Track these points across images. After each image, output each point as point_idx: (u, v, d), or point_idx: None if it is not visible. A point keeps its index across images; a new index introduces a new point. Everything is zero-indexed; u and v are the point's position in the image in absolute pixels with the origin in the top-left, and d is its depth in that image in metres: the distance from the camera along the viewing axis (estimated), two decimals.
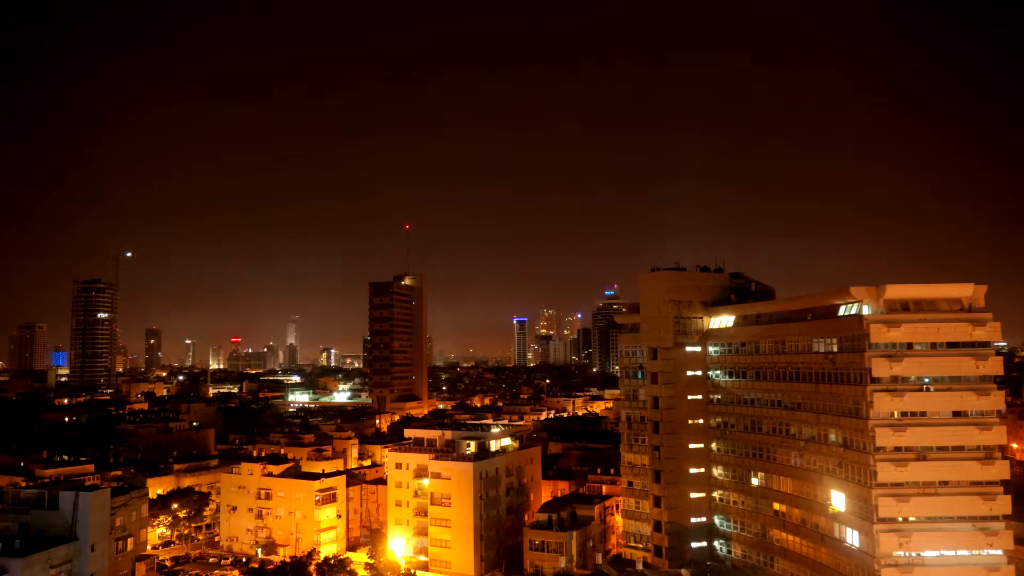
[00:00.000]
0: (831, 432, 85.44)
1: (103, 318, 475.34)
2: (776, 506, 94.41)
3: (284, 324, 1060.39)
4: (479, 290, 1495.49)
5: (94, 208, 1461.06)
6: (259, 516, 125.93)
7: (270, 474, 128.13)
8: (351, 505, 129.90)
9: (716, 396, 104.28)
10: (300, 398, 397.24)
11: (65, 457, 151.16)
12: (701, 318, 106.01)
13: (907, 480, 77.23)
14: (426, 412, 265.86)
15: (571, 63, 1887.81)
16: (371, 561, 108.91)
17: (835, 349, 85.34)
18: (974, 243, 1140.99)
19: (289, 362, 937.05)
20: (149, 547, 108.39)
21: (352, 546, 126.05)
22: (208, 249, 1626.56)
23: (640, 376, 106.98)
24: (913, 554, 76.28)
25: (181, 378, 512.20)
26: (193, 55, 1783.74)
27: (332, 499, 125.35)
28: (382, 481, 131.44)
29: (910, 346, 79.67)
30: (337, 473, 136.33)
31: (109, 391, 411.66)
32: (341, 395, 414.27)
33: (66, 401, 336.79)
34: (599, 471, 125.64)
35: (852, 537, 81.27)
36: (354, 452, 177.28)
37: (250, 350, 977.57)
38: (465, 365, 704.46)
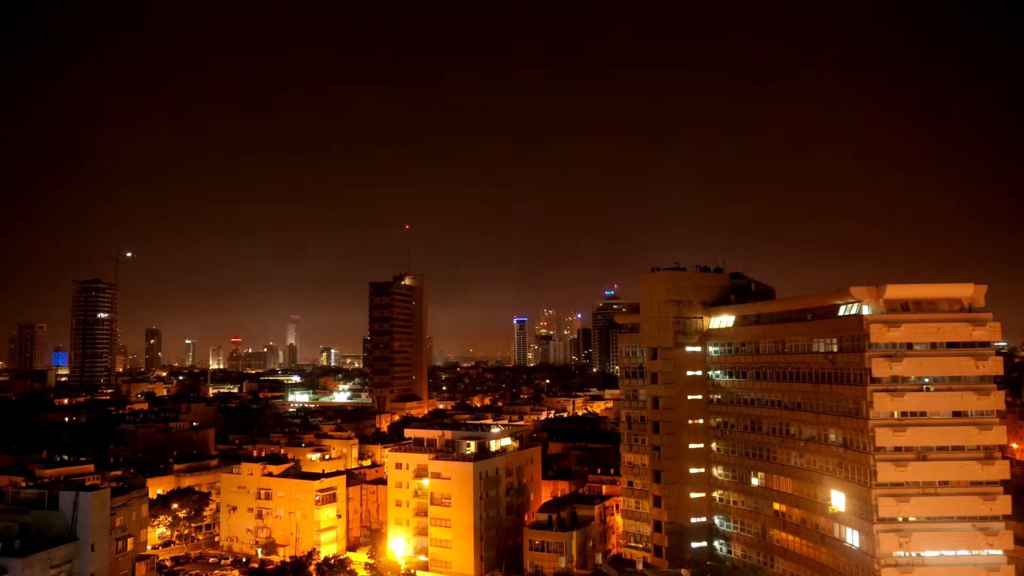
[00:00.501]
0: (831, 432, 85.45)
1: (103, 318, 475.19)
2: (776, 506, 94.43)
3: (284, 324, 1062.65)
4: (479, 290, 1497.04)
5: (94, 208, 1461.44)
6: (259, 516, 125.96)
7: (270, 474, 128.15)
8: (351, 505, 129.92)
9: (716, 396, 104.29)
10: (300, 398, 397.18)
11: (65, 457, 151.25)
12: (701, 318, 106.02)
13: (907, 480, 77.25)
14: (426, 412, 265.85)
15: (571, 63, 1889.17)
16: (371, 561, 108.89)
17: (835, 349, 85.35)
18: (974, 243, 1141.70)
19: (289, 362, 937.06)
20: (149, 547, 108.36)
21: (352, 546, 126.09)
22: (208, 249, 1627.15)
23: (640, 376, 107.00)
24: (913, 554, 76.29)
25: (181, 378, 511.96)
26: (193, 55, 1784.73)
27: (332, 499, 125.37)
28: (382, 481, 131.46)
29: (910, 346, 79.68)
30: (337, 473, 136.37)
31: (109, 391, 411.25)
32: (341, 395, 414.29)
33: (66, 401, 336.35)
34: (599, 471, 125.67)
35: (852, 537, 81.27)
36: (354, 452, 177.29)
37: (250, 350, 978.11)
38: (465, 365, 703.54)
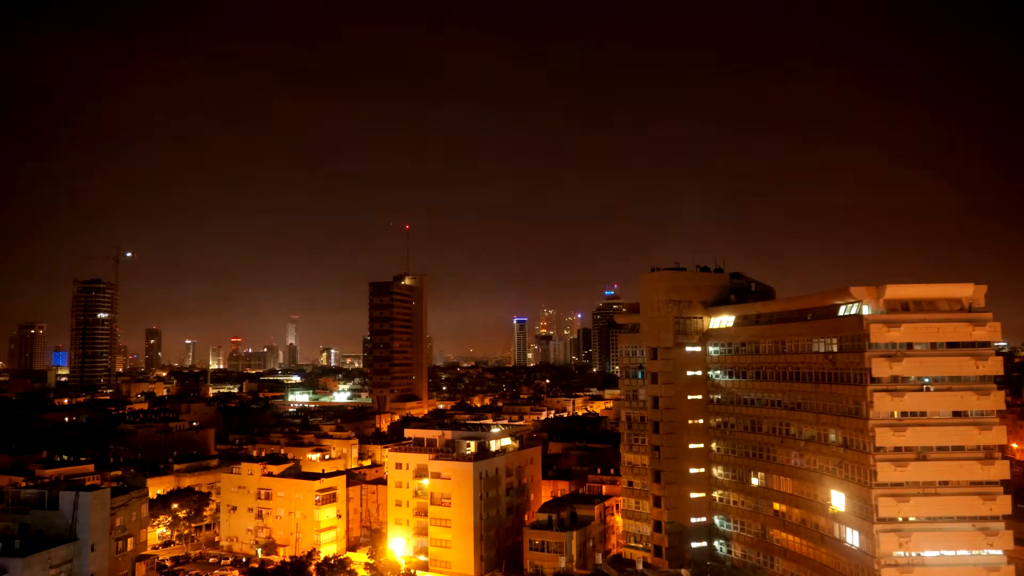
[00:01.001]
0: (831, 432, 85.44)
1: (103, 318, 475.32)
2: (776, 506, 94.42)
3: (284, 324, 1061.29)
4: (479, 290, 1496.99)
5: (94, 208, 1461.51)
6: (259, 516, 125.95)
7: (270, 474, 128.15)
8: (351, 505, 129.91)
9: (716, 396, 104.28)
10: (300, 398, 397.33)
11: (65, 457, 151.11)
12: (701, 318, 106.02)
13: (907, 480, 77.24)
14: (426, 412, 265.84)
15: (571, 62, 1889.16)
16: (371, 561, 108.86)
17: (835, 349, 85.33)
18: (974, 243, 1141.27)
19: (289, 362, 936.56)
20: (149, 547, 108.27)
21: (352, 546, 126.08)
22: (208, 249, 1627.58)
23: (640, 376, 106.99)
24: (913, 554, 76.28)
25: (181, 378, 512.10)
26: (193, 56, 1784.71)
27: (332, 499, 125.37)
28: (382, 481, 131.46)
29: (910, 346, 79.67)
30: (337, 473, 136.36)
31: (109, 391, 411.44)
32: (341, 395, 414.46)
33: (66, 401, 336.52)
34: (599, 471, 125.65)
35: (852, 537, 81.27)
36: (354, 452, 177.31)
37: (250, 350, 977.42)
38: (465, 365, 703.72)
